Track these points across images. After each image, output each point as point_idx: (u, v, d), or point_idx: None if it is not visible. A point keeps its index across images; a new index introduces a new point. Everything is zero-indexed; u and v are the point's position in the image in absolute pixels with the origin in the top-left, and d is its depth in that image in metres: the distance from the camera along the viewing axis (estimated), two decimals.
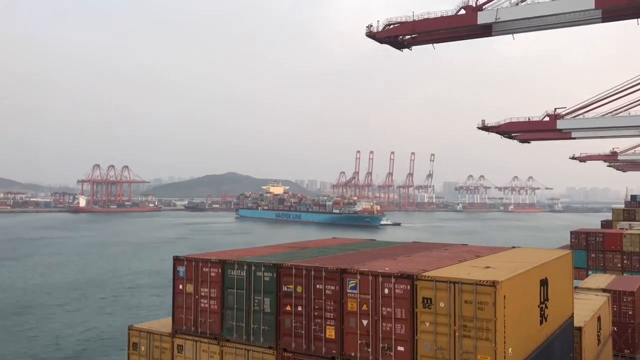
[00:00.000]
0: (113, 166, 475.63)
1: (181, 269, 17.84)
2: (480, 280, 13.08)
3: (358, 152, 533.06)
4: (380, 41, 72.33)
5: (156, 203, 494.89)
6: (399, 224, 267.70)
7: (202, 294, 17.32)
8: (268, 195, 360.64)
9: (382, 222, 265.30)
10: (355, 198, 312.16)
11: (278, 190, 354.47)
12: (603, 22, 62.16)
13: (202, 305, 17.29)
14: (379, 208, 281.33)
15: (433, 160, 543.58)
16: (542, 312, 16.31)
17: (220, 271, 17.01)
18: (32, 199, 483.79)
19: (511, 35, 68.83)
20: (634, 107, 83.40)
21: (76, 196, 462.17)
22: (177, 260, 18.04)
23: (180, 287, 17.81)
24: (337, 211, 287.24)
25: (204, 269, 17.34)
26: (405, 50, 74.57)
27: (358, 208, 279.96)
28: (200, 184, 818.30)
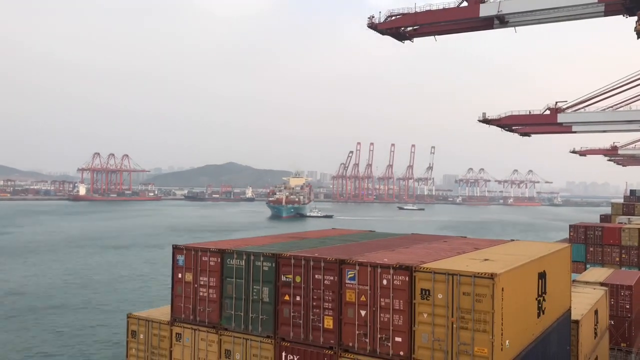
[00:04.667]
0: (113, 155, 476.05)
1: (180, 258, 17.86)
2: (478, 273, 13.11)
3: (358, 143, 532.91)
4: (382, 32, 72.02)
5: (156, 192, 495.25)
6: (330, 216, 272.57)
7: (201, 282, 17.35)
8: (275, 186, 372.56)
9: (309, 213, 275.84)
10: (306, 189, 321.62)
11: (298, 182, 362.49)
12: (605, 16, 61.90)
13: (201, 294, 17.33)
14: (297, 199, 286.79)
15: (433, 153, 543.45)
16: (540, 305, 16.36)
17: (219, 260, 17.04)
18: (32, 187, 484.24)
19: (513, 28, 68.57)
20: (634, 101, 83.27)
21: (76, 184, 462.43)
22: (176, 249, 18.04)
23: (180, 275, 17.84)
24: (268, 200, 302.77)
25: (204, 258, 17.37)
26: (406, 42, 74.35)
27: (272, 199, 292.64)
28: (200, 174, 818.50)
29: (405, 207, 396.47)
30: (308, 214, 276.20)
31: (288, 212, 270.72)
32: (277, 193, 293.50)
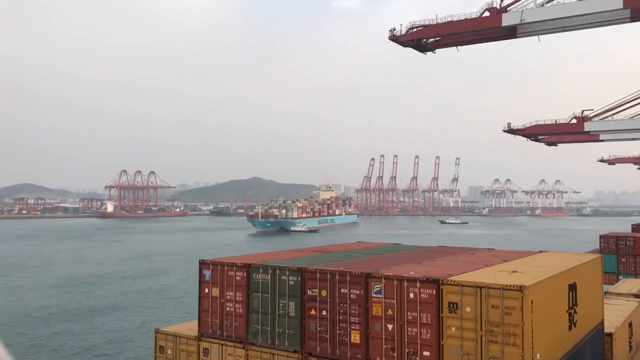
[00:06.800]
0: (140, 172, 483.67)
1: (207, 273, 17.99)
2: (507, 285, 12.90)
3: (382, 156, 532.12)
4: (404, 44, 72.23)
5: (182, 208, 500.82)
6: (316, 231, 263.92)
7: (228, 297, 17.43)
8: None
9: (293, 228, 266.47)
10: (291, 202, 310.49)
11: (328, 194, 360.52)
12: (632, 21, 61.11)
13: (228, 308, 17.40)
14: (278, 214, 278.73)
15: (458, 164, 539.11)
16: (571, 318, 16.03)
17: (245, 275, 17.11)
18: (61, 205, 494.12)
19: (537, 36, 68.12)
20: None
21: (104, 202, 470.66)
22: (202, 264, 18.19)
23: (206, 290, 17.96)
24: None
25: (230, 273, 17.46)
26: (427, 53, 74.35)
27: (251, 213, 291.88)
28: (225, 189, 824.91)
29: (448, 221, 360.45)
30: (292, 229, 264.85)
31: (263, 227, 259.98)
32: (256, 208, 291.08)
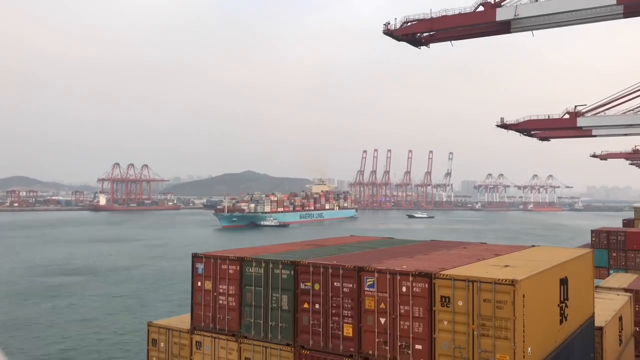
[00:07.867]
0: (133, 165, 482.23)
1: (200, 266, 17.96)
2: (499, 279, 12.96)
3: (375, 150, 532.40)
4: (398, 39, 72.16)
5: (175, 201, 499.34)
6: (286, 226, 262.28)
7: (221, 291, 17.42)
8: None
9: (262, 223, 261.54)
10: (262, 196, 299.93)
11: (320, 188, 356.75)
12: (624, 17, 61.31)
13: (221, 302, 17.39)
14: (245, 208, 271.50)
15: (451, 159, 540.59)
16: (562, 312, 16.13)
17: (238, 268, 17.09)
18: (53, 197, 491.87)
19: (530, 31, 68.22)
20: None
21: (96, 194, 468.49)
22: (195, 257, 18.16)
23: (199, 284, 17.94)
24: None
25: (223, 266, 17.44)
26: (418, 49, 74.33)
27: (219, 207, 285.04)
28: (218, 183, 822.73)
29: (416, 215, 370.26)
30: (262, 223, 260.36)
31: (228, 221, 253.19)
32: (223, 202, 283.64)
